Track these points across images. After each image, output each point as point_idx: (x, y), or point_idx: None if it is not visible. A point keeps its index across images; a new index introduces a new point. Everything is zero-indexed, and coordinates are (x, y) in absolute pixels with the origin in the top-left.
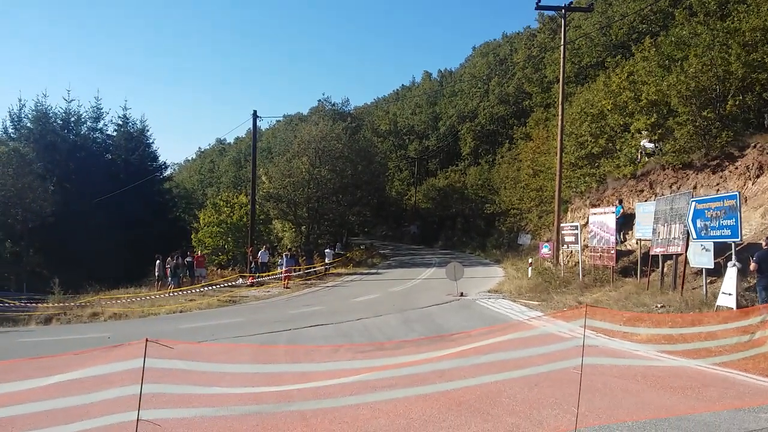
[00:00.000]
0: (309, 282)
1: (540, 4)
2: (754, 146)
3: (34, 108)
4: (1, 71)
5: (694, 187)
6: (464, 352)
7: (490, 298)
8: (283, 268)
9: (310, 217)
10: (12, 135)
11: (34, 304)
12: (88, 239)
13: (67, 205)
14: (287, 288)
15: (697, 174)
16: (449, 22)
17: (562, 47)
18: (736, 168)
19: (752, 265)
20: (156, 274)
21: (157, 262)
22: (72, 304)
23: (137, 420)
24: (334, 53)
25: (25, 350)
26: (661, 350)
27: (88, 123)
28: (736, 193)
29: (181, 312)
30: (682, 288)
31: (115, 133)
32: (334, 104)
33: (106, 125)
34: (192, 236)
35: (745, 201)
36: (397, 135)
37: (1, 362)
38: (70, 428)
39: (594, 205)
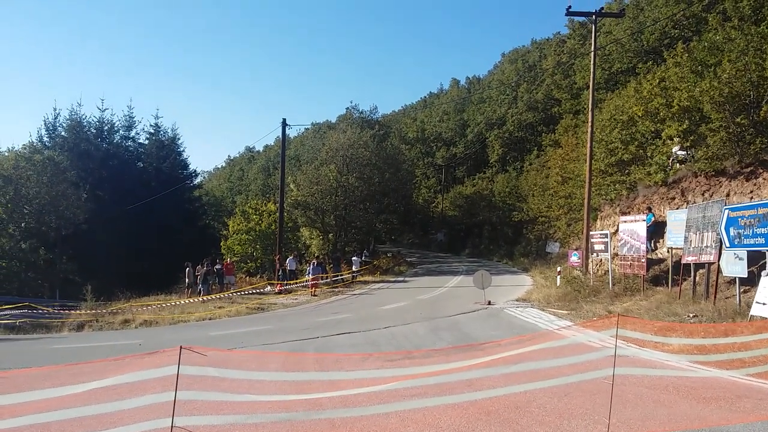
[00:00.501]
0: (336, 290)
1: (570, 10)
2: None
3: (68, 117)
4: (37, 81)
5: (727, 195)
6: (493, 361)
7: (518, 307)
8: (310, 276)
9: (338, 225)
10: (47, 143)
11: (67, 311)
12: (119, 246)
13: (100, 212)
14: (314, 296)
15: (730, 181)
16: (478, 28)
17: (592, 53)
18: None
19: None
20: (186, 281)
21: (187, 269)
22: (104, 311)
23: (171, 426)
24: (362, 61)
25: (59, 357)
26: (694, 361)
27: (121, 132)
28: None
29: (210, 319)
30: (715, 297)
31: (146, 142)
32: (362, 112)
33: (138, 134)
34: (221, 243)
35: None
36: (424, 142)
37: (36, 369)
38: None
39: (624, 213)
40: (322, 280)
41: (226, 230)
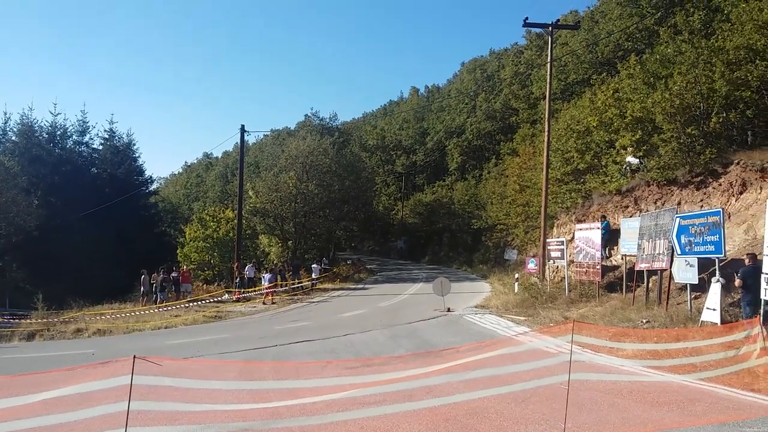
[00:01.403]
0: (296, 297)
1: (527, 21)
2: (738, 163)
3: (19, 121)
4: None
5: (679, 203)
6: (452, 368)
7: (477, 314)
8: (266, 285)
9: (297, 232)
10: None
11: (17, 320)
12: (72, 254)
13: (52, 219)
14: (266, 304)
15: (681, 190)
16: (437, 37)
17: (548, 64)
18: (720, 184)
19: (737, 281)
20: (141, 289)
21: (143, 277)
22: (56, 319)
23: None
24: (321, 68)
25: (9, 367)
26: (647, 365)
27: (74, 137)
28: (720, 209)
29: (166, 328)
30: (667, 303)
31: (101, 147)
32: (321, 119)
33: (92, 139)
34: (178, 251)
35: (729, 217)
36: (384, 150)
37: None
38: None
39: (580, 221)
40: (281, 287)
41: (183, 237)
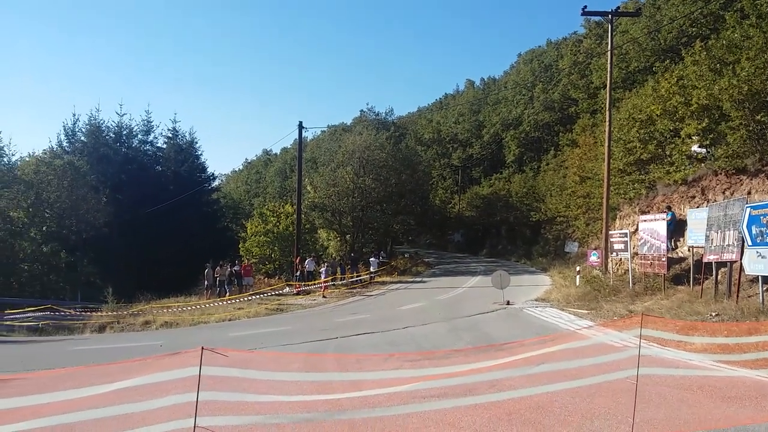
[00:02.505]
0: (354, 290)
1: (586, 9)
2: None
3: (87, 122)
4: (55, 86)
5: (749, 193)
6: (515, 362)
7: (537, 307)
8: (323, 278)
9: (355, 226)
10: (66, 148)
11: (88, 313)
12: (139, 249)
13: (120, 216)
14: (324, 297)
15: (751, 179)
16: (493, 29)
17: (609, 52)
18: None
19: None
20: (206, 282)
21: (206, 270)
22: (125, 312)
23: (194, 426)
24: (377, 63)
25: (82, 358)
26: (717, 360)
27: (140, 136)
28: None
29: (230, 320)
30: (737, 296)
31: (164, 146)
32: (377, 114)
33: (156, 138)
34: (240, 245)
35: None
36: (440, 143)
37: (59, 370)
38: None
39: (643, 212)
40: (340, 281)
41: (245, 232)
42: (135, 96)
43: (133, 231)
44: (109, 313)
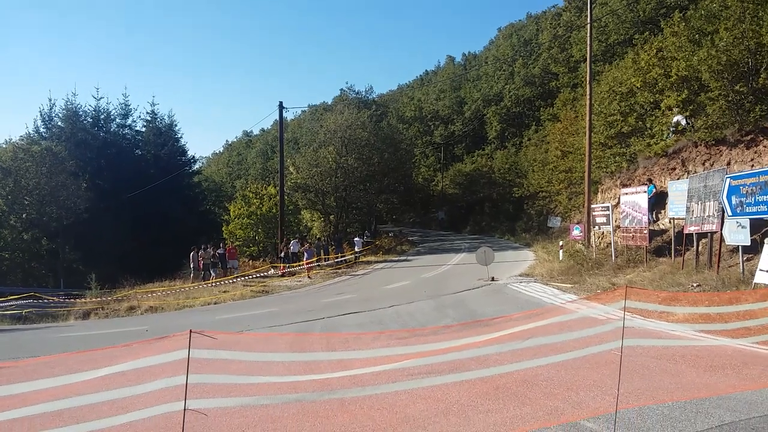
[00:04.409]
0: (339, 271)
1: None
2: None
3: (64, 107)
4: (31, 70)
5: (728, 164)
6: (501, 337)
7: (521, 282)
8: (305, 259)
9: (338, 206)
10: (44, 134)
11: (72, 300)
12: (121, 234)
13: (100, 201)
14: (309, 278)
15: (730, 150)
16: (473, 3)
17: (588, 25)
18: None
19: None
20: (191, 266)
21: (192, 254)
22: (109, 298)
23: (184, 409)
24: (357, 41)
25: (68, 345)
26: (699, 330)
27: (118, 120)
28: None
29: (215, 303)
30: (718, 266)
31: (144, 129)
32: (358, 92)
33: (134, 121)
34: (223, 228)
35: None
36: (422, 121)
37: (45, 357)
38: (118, 419)
39: (625, 185)
40: (324, 261)
41: (227, 215)
42: (111, 80)
43: (115, 216)
44: (93, 300)
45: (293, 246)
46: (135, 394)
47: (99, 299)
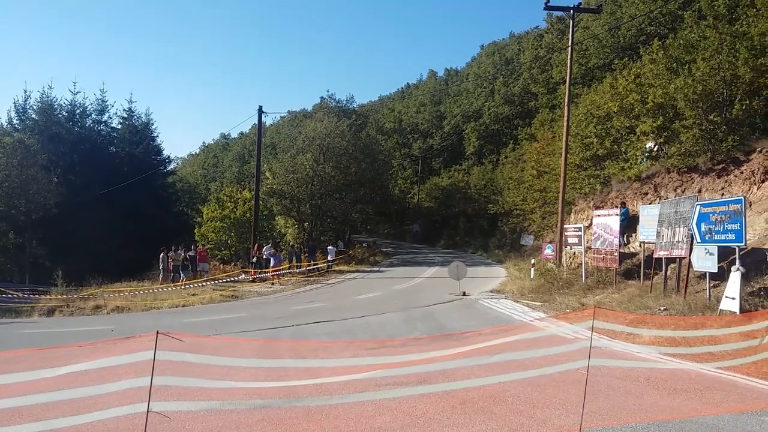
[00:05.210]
0: (311, 279)
1: (549, 4)
2: (760, 151)
3: (39, 99)
4: (6, 62)
5: (699, 191)
6: (469, 352)
7: (492, 298)
8: (271, 266)
9: (313, 214)
10: (17, 126)
11: (37, 296)
12: (91, 232)
13: (71, 197)
14: (281, 285)
15: (702, 178)
16: (457, 20)
17: (569, 48)
18: (742, 172)
19: None
20: (160, 267)
21: (160, 255)
22: (75, 296)
23: (147, 411)
24: (340, 50)
25: (30, 341)
26: (664, 353)
27: (93, 115)
28: (741, 197)
29: (183, 306)
30: (686, 291)
31: (119, 126)
32: (338, 101)
33: (110, 118)
34: (195, 231)
35: (750, 206)
36: (401, 133)
37: (6, 352)
38: (80, 419)
39: (598, 207)
40: (296, 269)
41: (201, 217)
42: (89, 75)
43: (85, 213)
44: (59, 297)
45: (266, 251)
46: (98, 394)
47: (65, 296)
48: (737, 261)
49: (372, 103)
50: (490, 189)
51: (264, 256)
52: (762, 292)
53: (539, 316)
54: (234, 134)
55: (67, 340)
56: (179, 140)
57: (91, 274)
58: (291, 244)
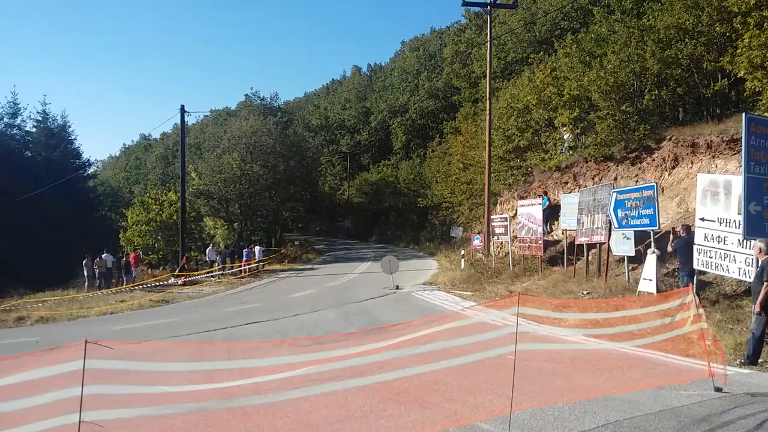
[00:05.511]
0: (243, 280)
1: (466, 0)
2: (670, 139)
3: None
4: None
5: (615, 179)
6: (402, 343)
7: (425, 290)
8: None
9: (243, 214)
10: None
11: None
12: (9, 240)
13: None
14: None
15: (617, 166)
16: (378, 16)
17: (488, 43)
18: (654, 160)
19: (669, 249)
20: (85, 274)
21: (84, 261)
22: None
23: (79, 422)
24: (260, 48)
25: None
26: (588, 334)
27: (5, 119)
28: (654, 183)
29: (112, 313)
30: (606, 275)
31: (34, 130)
32: (263, 99)
33: (24, 121)
34: (120, 235)
35: (662, 191)
36: (328, 130)
37: None
38: None
39: (522, 198)
40: (228, 270)
41: (125, 221)
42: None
43: (1, 221)
44: None
45: (210, 254)
46: (25, 407)
47: None
48: (653, 244)
49: (297, 100)
50: (418, 183)
51: (208, 258)
52: (675, 273)
53: (470, 305)
54: (156, 135)
55: None
56: (98, 143)
57: (11, 285)
58: (223, 246)
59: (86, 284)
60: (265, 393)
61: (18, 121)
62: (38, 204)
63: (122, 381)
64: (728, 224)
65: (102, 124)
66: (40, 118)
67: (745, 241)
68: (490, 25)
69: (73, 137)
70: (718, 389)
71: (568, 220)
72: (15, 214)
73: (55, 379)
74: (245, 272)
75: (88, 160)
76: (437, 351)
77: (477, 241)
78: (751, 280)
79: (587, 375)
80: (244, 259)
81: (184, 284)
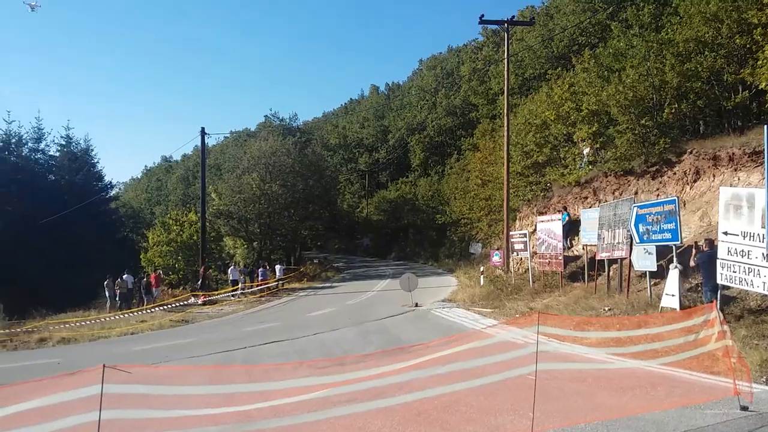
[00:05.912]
0: (262, 298)
1: (483, 18)
2: (691, 152)
3: None
4: None
5: (636, 193)
6: (422, 363)
7: (444, 308)
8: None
9: (262, 233)
10: None
11: None
12: (33, 263)
13: (9, 228)
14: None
15: (638, 180)
16: (397, 35)
17: (506, 60)
18: (675, 173)
19: (692, 263)
20: (107, 295)
21: (106, 282)
22: (18, 329)
23: None
24: (280, 68)
25: None
26: (611, 353)
27: (30, 144)
28: (675, 197)
29: (132, 334)
30: (628, 291)
31: (58, 154)
32: (282, 119)
33: (48, 146)
34: (141, 256)
35: (684, 205)
36: (346, 148)
37: None
38: None
39: (541, 213)
40: (248, 289)
41: (146, 242)
42: (25, 102)
43: (25, 244)
44: (1, 331)
45: (232, 273)
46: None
47: (7, 330)
48: (675, 259)
49: (316, 120)
50: (437, 199)
51: (231, 278)
52: (699, 288)
53: (490, 323)
54: (177, 156)
55: (12, 376)
56: (120, 164)
57: (34, 307)
58: (243, 264)
59: (108, 305)
60: (284, 416)
61: (42, 145)
62: (61, 226)
63: (141, 405)
64: (752, 238)
65: (124, 147)
66: (63, 143)
67: None
68: (507, 42)
69: (95, 160)
70: (744, 408)
71: (588, 235)
72: (39, 237)
73: (75, 404)
74: (264, 291)
75: (111, 182)
76: (457, 371)
77: (496, 257)
78: None
79: (610, 394)
80: (260, 278)
81: (204, 304)
